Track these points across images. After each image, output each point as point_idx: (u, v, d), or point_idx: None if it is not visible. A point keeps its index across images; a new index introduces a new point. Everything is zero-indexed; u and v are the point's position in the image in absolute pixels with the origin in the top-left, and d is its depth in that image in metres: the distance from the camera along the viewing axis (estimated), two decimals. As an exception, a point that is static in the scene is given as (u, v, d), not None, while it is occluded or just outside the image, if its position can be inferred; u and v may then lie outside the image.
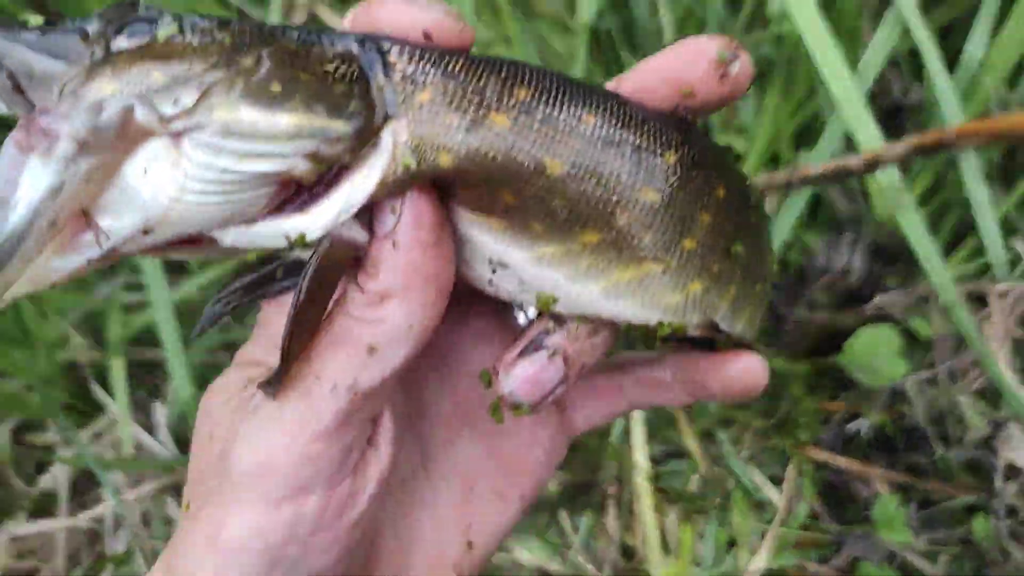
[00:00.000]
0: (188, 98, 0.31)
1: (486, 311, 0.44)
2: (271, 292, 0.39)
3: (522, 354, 0.39)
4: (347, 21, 0.38)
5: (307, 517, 0.36)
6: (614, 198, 0.37)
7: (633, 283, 0.38)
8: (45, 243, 0.30)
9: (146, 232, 0.32)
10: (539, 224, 0.37)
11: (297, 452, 0.35)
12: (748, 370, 0.43)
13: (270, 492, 0.36)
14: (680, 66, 0.38)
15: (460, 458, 0.47)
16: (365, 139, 0.34)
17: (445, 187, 0.37)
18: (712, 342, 0.44)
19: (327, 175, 0.34)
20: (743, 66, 0.38)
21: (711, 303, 0.41)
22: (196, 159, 0.31)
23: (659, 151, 0.38)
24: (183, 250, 0.36)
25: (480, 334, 0.46)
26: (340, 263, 0.36)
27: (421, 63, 0.36)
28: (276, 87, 0.32)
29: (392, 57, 0.36)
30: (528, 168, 0.36)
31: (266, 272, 0.38)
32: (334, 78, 0.34)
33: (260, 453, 0.36)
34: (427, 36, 0.36)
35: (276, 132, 0.32)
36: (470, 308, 0.44)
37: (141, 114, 0.30)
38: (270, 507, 0.36)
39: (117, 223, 0.32)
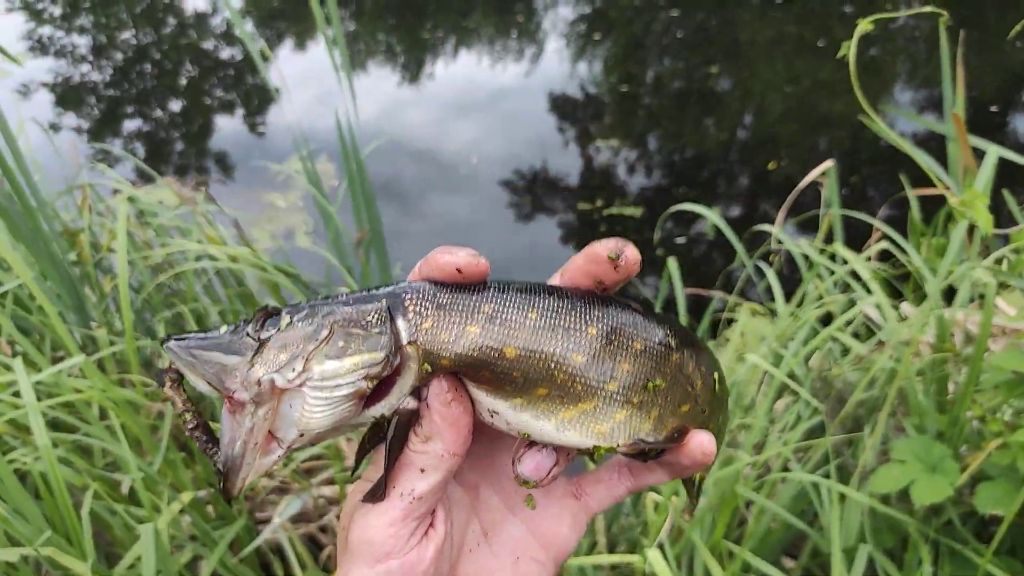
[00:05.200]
0: (299, 365, 0.52)
1: (514, 437, 0.59)
2: (378, 441, 0.57)
3: (527, 449, 0.56)
4: (417, 267, 0.56)
5: (393, 573, 0.55)
6: (553, 364, 0.52)
7: (574, 419, 0.54)
8: (255, 454, 0.53)
9: (302, 435, 0.53)
10: (509, 386, 0.53)
11: (382, 533, 0.55)
12: (702, 444, 0.57)
13: (369, 557, 0.55)
14: (590, 265, 0.53)
15: (508, 535, 0.63)
16: (395, 356, 0.53)
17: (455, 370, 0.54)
18: (644, 454, 0.57)
19: (384, 381, 0.53)
20: (629, 257, 0.52)
21: (635, 426, 0.55)
22: (312, 395, 0.53)
23: (583, 327, 0.53)
24: (327, 438, 0.56)
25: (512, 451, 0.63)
26: (406, 422, 0.55)
27: (423, 303, 0.53)
28: (342, 343, 0.53)
29: (407, 303, 0.54)
30: (494, 355, 0.52)
31: (375, 432, 0.57)
32: (372, 324, 0.53)
33: (363, 533, 0.55)
34: (459, 270, 0.53)
35: (346, 371, 0.52)
36: (504, 436, 0.59)
37: (280, 381, 0.52)
38: (370, 567, 0.55)
39: (286, 435, 0.53)
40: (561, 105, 4.95)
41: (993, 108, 4.35)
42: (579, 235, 3.62)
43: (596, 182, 4.03)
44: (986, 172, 1.43)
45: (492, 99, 5.20)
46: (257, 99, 5.34)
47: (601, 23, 6.15)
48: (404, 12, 6.65)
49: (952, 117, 1.58)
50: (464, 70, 5.60)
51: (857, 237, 1.84)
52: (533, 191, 4.07)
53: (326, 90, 5.22)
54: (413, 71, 5.62)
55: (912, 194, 1.57)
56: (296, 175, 3.24)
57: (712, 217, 1.80)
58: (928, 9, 1.18)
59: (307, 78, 5.33)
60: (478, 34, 6.17)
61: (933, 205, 1.77)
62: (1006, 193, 1.66)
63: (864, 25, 1.10)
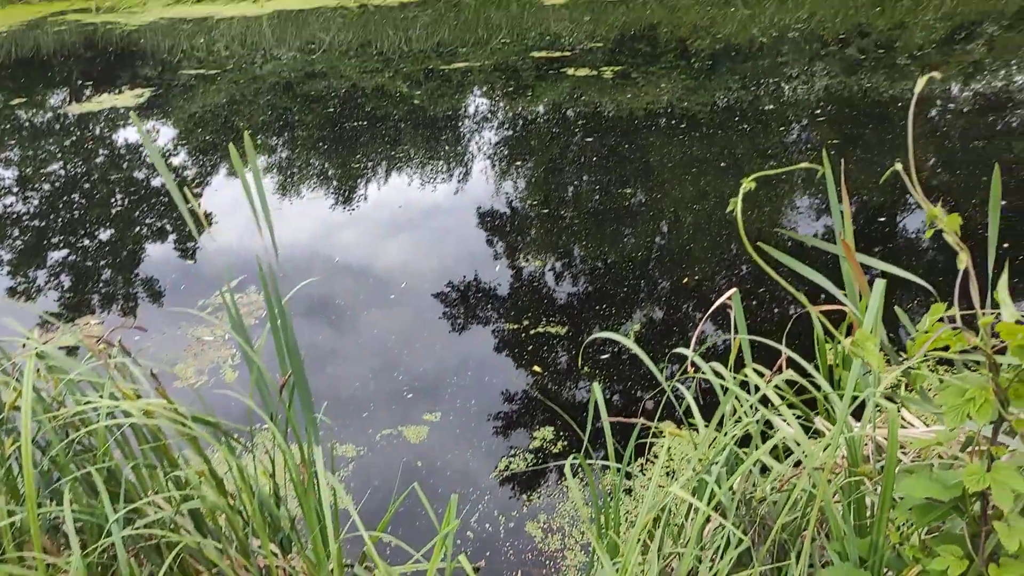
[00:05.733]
0: None
1: None
2: None
3: None
4: None
5: None
6: None
7: None
8: None
9: None
10: None
11: None
12: None
13: None
14: None
15: None
16: None
17: None
18: None
19: None
20: None
21: None
22: None
23: None
24: None
25: None
26: None
27: None
28: None
29: None
30: None
31: None
32: None
33: None
34: None
35: None
36: None
37: None
38: None
39: None
40: (489, 222, 5.09)
41: (881, 218, 4.67)
42: (510, 348, 3.64)
43: (523, 299, 4.10)
44: (875, 299, 1.52)
45: (424, 217, 5.31)
46: (187, 228, 5.32)
47: (522, 147, 6.44)
48: (336, 144, 6.84)
49: (841, 243, 1.68)
50: (396, 191, 5.73)
51: (774, 351, 1.90)
52: (466, 303, 4.11)
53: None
54: (347, 193, 5.72)
55: (813, 311, 1.65)
56: (221, 309, 3.19)
57: (630, 345, 1.84)
58: (805, 165, 1.29)
59: (242, 204, 5.36)
60: (408, 158, 6.36)
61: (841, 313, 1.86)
62: (898, 310, 1.76)
63: (747, 184, 1.18)
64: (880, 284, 1.49)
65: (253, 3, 12.41)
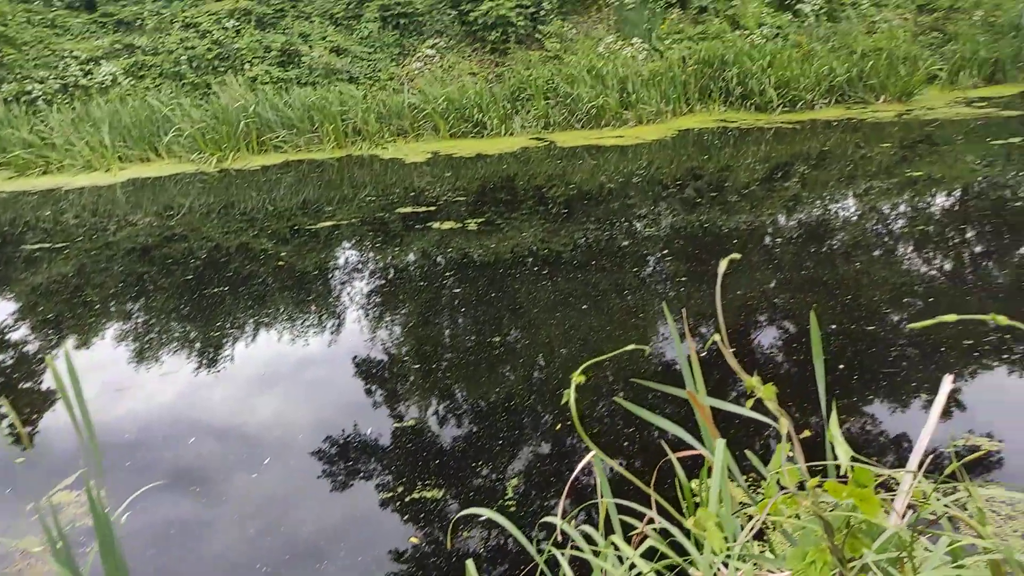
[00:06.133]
0: None
1: None
2: None
3: None
4: None
5: None
6: None
7: None
8: None
9: None
10: None
11: None
12: None
13: None
14: None
15: None
16: None
17: None
18: None
19: None
20: None
21: None
22: None
23: None
24: None
25: None
26: None
27: None
28: None
29: None
30: None
31: None
32: None
33: None
34: None
35: None
36: None
37: None
38: None
39: None
40: (365, 371, 4.96)
41: (732, 348, 4.97)
42: (382, 519, 3.46)
43: (398, 460, 3.96)
44: (719, 457, 1.53)
45: (297, 369, 5.11)
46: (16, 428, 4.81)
47: (393, 297, 6.46)
48: (199, 305, 6.58)
49: (688, 394, 1.72)
50: (265, 347, 5.51)
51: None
52: (346, 457, 3.90)
53: (111, 380, 4.84)
54: (211, 355, 5.43)
55: (672, 456, 1.67)
56: (61, 508, 2.82)
57: (501, 521, 1.78)
58: (632, 347, 1.36)
59: (90, 377, 4.94)
60: (276, 315, 6.19)
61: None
62: (749, 452, 1.82)
63: (576, 378, 1.28)
64: (720, 444, 1.52)
65: (105, 172, 12.13)
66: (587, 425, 4.00)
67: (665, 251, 6.92)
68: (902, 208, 7.83)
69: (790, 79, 13.54)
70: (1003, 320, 1.40)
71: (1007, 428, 3.67)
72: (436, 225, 8.10)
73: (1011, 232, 6.78)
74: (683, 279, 6.17)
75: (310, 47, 14.89)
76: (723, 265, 1.51)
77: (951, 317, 1.40)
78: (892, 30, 15.19)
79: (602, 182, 9.68)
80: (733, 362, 1.47)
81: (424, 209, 8.81)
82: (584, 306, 5.65)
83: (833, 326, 4.91)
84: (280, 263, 7.36)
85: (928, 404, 3.99)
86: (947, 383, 1.72)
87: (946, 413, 3.90)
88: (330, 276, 7.03)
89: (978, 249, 6.54)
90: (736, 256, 2.02)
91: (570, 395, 1.27)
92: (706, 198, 8.54)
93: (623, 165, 10.59)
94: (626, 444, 3.83)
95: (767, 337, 5.04)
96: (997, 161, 9.19)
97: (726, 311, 5.40)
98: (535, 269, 6.65)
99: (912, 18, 16.22)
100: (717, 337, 1.49)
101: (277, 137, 13.27)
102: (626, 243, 7.21)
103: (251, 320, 6.08)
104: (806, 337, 4.81)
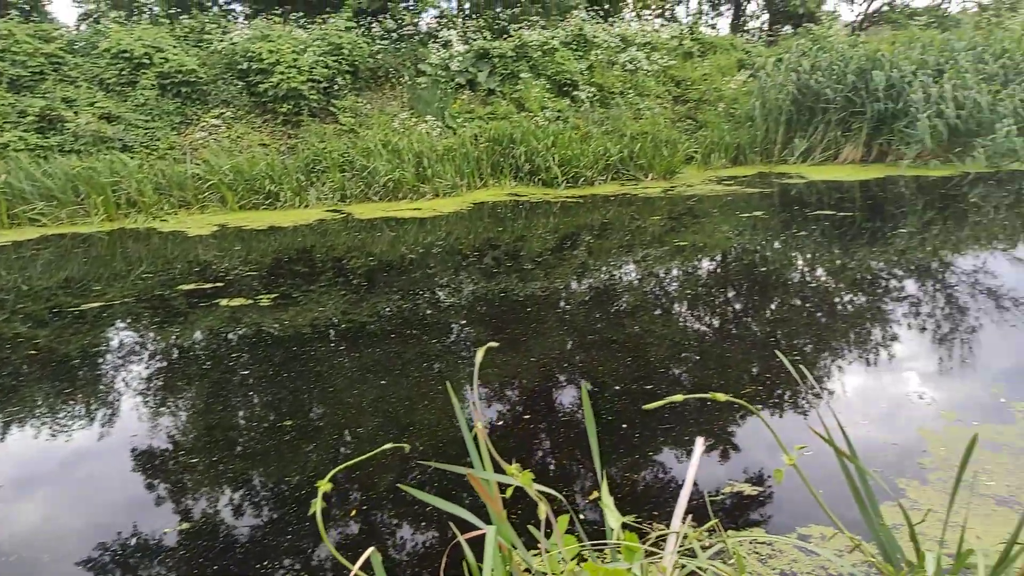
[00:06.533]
0: None
1: None
2: None
3: None
4: None
5: None
6: None
7: None
8: None
9: None
10: None
11: None
12: None
13: None
14: None
15: None
16: None
17: None
18: None
19: None
20: None
21: None
22: None
23: None
24: None
25: None
26: None
27: None
28: None
29: None
30: None
31: None
32: None
33: None
34: None
35: None
36: None
37: None
38: None
39: None
40: (146, 461, 4.41)
41: (526, 416, 5.13)
42: None
43: (190, 565, 3.53)
44: (491, 542, 1.52)
45: (64, 467, 4.42)
46: None
47: (175, 381, 5.91)
48: (-75, 397, 5.54)
49: (469, 476, 1.70)
50: (18, 445, 4.72)
51: None
52: (122, 565, 3.39)
53: None
54: (-60, 464, 4.54)
55: (461, 538, 1.62)
56: None
57: None
58: (390, 446, 1.34)
59: None
60: (33, 408, 5.36)
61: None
62: (532, 527, 1.81)
63: (323, 486, 1.28)
64: (491, 531, 1.50)
65: None
66: (378, 509, 3.84)
67: (467, 319, 7.01)
68: (674, 272, 8.65)
69: (572, 157, 14.68)
70: (722, 397, 1.66)
71: (766, 472, 4.07)
72: (225, 302, 7.57)
73: (761, 292, 7.74)
74: (487, 340, 6.26)
75: (75, 113, 13.61)
76: (480, 354, 1.65)
77: (679, 397, 1.66)
78: (654, 117, 17.13)
79: (403, 253, 9.69)
80: (492, 451, 1.55)
81: (211, 285, 8.21)
82: (386, 380, 5.52)
83: (617, 387, 5.21)
84: (33, 351, 6.43)
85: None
86: (700, 445, 1.87)
87: (723, 456, 4.25)
88: (100, 361, 6.26)
89: (737, 307, 7.37)
90: (493, 344, 2.16)
91: (317, 505, 1.27)
92: (503, 267, 8.85)
93: (422, 236, 10.71)
94: (414, 530, 3.72)
95: (566, 397, 5.23)
96: (746, 231, 10.53)
97: (524, 374, 5.54)
98: (335, 343, 6.41)
99: (670, 107, 18.43)
100: (479, 426, 1.60)
101: (34, 209, 11.85)
102: (429, 312, 7.22)
103: (-2, 416, 5.20)
104: (595, 400, 5.06)
